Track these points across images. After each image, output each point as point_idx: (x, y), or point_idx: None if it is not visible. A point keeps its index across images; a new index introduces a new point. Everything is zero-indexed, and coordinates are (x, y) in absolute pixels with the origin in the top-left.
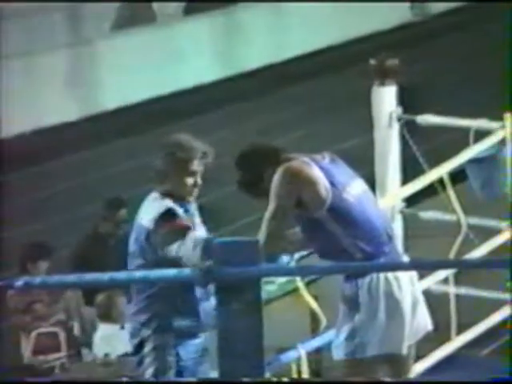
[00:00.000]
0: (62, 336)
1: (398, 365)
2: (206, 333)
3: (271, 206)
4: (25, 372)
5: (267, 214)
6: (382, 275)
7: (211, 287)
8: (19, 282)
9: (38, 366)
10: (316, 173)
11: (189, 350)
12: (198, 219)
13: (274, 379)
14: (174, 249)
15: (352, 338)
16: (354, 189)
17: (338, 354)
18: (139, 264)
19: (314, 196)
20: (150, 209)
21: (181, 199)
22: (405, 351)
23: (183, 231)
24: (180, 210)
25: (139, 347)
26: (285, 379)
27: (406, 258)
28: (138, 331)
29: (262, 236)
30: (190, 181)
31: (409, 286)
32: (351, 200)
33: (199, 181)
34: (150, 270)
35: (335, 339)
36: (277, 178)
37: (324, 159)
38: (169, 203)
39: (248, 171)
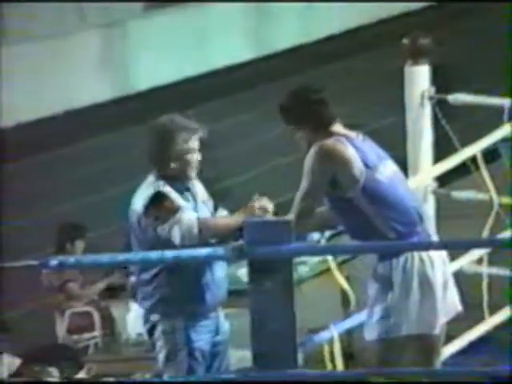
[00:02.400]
0: (96, 315)
1: (431, 345)
2: (217, 313)
3: (304, 184)
4: (59, 350)
5: (300, 192)
6: (416, 255)
7: (222, 272)
8: (54, 262)
9: (73, 345)
10: (351, 152)
11: (200, 331)
12: (203, 196)
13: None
14: (165, 229)
15: (386, 318)
16: (386, 169)
17: (372, 334)
18: (136, 246)
19: (348, 175)
20: (143, 193)
21: (179, 180)
22: (437, 331)
23: (172, 211)
24: (173, 192)
25: (151, 332)
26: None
27: (437, 238)
28: (148, 316)
29: (293, 213)
30: (181, 161)
31: (441, 267)
32: (383, 180)
33: (195, 158)
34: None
35: (368, 320)
36: (311, 156)
37: (358, 138)
38: (161, 186)
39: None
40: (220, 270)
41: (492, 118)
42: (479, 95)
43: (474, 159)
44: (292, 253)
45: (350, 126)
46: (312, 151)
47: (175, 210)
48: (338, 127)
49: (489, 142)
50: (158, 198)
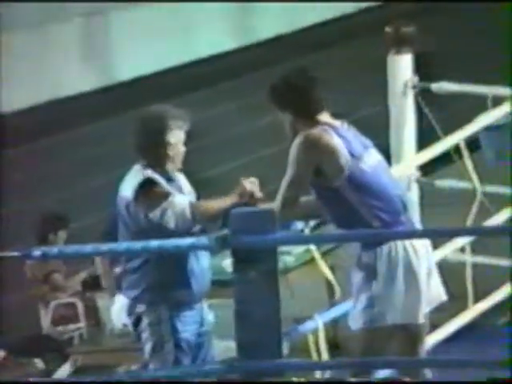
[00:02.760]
0: (80, 306)
1: (415, 333)
2: (202, 304)
3: (289, 173)
4: (44, 342)
5: (285, 181)
6: (400, 244)
7: (205, 259)
8: (37, 252)
9: (57, 336)
10: (336, 141)
11: (185, 321)
12: (186, 188)
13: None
14: (157, 214)
15: (370, 307)
16: (370, 158)
17: (357, 323)
18: (124, 235)
19: (334, 165)
20: (131, 180)
21: (163, 170)
22: (422, 320)
23: (164, 196)
24: (161, 180)
25: (136, 323)
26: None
27: (420, 227)
28: (133, 307)
29: (277, 202)
30: (169, 152)
31: (425, 255)
32: (367, 169)
33: (181, 150)
34: (134, 241)
35: (352, 309)
36: (296, 145)
37: (342, 127)
38: (149, 173)
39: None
40: (204, 260)
41: (476, 107)
42: (463, 84)
43: (457, 148)
44: (276, 242)
45: (335, 114)
46: (297, 140)
47: (166, 194)
48: (324, 116)
49: (471, 131)
50: (147, 184)
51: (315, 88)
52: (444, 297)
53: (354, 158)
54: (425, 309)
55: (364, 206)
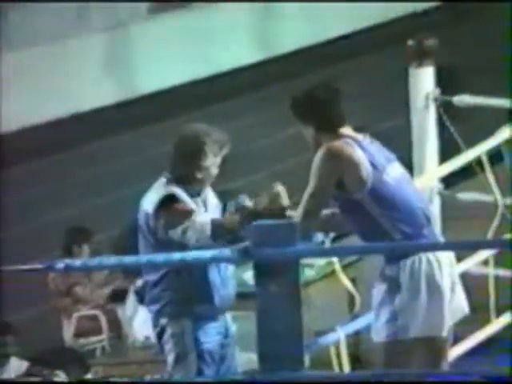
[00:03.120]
0: (103, 319)
1: (438, 347)
2: (225, 315)
3: (311, 185)
4: (66, 354)
5: (306, 193)
6: (423, 257)
7: (229, 273)
8: (60, 265)
9: (80, 349)
10: (358, 154)
11: (208, 333)
12: (211, 202)
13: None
14: (178, 232)
15: (393, 320)
16: (393, 171)
17: (379, 336)
18: (144, 247)
19: (355, 177)
20: (153, 195)
21: (189, 185)
22: (445, 333)
23: (185, 215)
24: (184, 196)
25: (160, 335)
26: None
27: (443, 240)
28: (157, 320)
29: (299, 214)
30: (199, 173)
31: (448, 269)
32: (390, 182)
33: (213, 172)
34: (156, 254)
35: (375, 321)
36: (319, 157)
37: (365, 140)
38: (173, 189)
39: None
40: (227, 272)
41: (498, 120)
42: (485, 96)
43: (479, 161)
44: (298, 254)
45: (357, 128)
46: (320, 153)
47: (187, 213)
48: (346, 129)
49: (493, 144)
50: (169, 201)
51: (338, 102)
52: (467, 310)
53: (377, 171)
54: (448, 322)
55: (386, 219)
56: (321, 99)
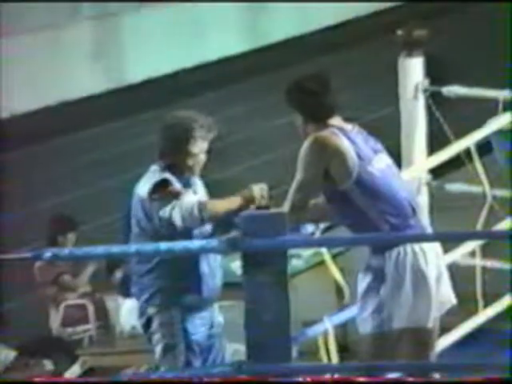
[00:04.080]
0: (90, 308)
1: (424, 338)
2: (212, 306)
3: (298, 176)
4: (53, 343)
5: (294, 184)
6: (409, 248)
7: (218, 263)
8: (47, 254)
9: (67, 338)
10: (344, 144)
11: (196, 323)
12: (200, 192)
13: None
14: (167, 211)
15: (379, 312)
16: (379, 162)
17: (365, 328)
18: (138, 236)
19: (342, 168)
20: (147, 180)
21: (180, 173)
22: (431, 324)
23: (175, 195)
24: (176, 183)
25: (147, 325)
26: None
27: (430, 231)
28: (144, 309)
29: (286, 205)
30: (189, 160)
31: (434, 259)
32: (376, 173)
33: (201, 159)
34: (147, 241)
35: (361, 313)
36: (305, 147)
37: (352, 130)
38: (166, 175)
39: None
40: (215, 262)
41: (487, 111)
42: (474, 87)
43: (468, 151)
44: (286, 245)
45: (346, 118)
46: (306, 143)
47: (177, 193)
48: (335, 120)
49: (482, 135)
50: (162, 184)
51: (327, 92)
52: (454, 301)
53: (363, 161)
54: (435, 313)
55: (372, 210)
56: (310, 89)
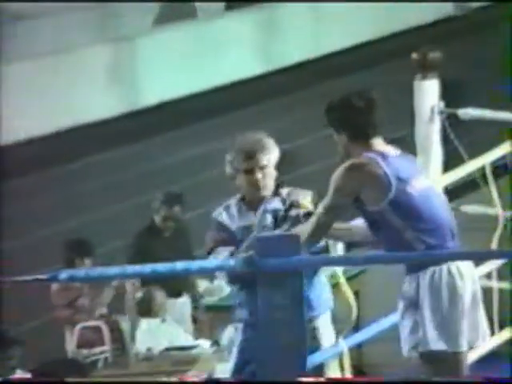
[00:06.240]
0: (106, 330)
1: (457, 361)
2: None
3: (327, 199)
4: (69, 365)
5: (320, 207)
6: (445, 267)
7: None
8: (63, 275)
9: (82, 360)
10: (380, 171)
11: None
12: (266, 223)
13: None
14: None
15: (415, 332)
16: (418, 183)
17: (405, 348)
18: None
19: (373, 194)
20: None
21: (249, 202)
22: (464, 348)
23: (213, 245)
24: (226, 218)
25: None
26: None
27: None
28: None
29: (309, 227)
30: (244, 181)
31: (470, 284)
32: (415, 194)
33: (258, 178)
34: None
35: (401, 335)
36: (339, 173)
37: (393, 152)
38: (222, 207)
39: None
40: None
41: (502, 133)
42: (490, 110)
43: (483, 174)
44: (302, 264)
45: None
46: (341, 167)
47: (214, 243)
48: (376, 140)
49: (496, 156)
50: (213, 223)
51: (372, 112)
52: (487, 336)
53: (401, 183)
54: (469, 338)
55: (409, 229)
56: (355, 107)
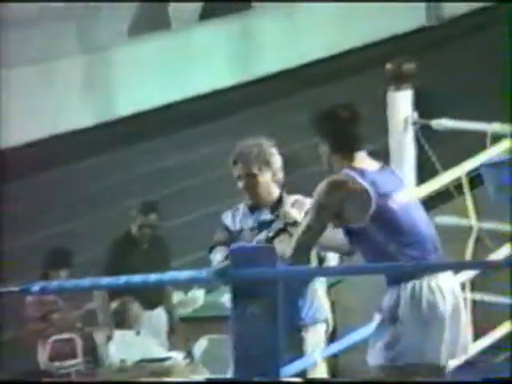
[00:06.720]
0: (79, 342)
1: (435, 375)
2: None
3: (308, 217)
4: (40, 378)
5: (303, 223)
6: (425, 282)
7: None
8: (35, 287)
9: (54, 372)
10: (358, 188)
11: None
12: (267, 231)
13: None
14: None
15: (392, 346)
16: (400, 197)
17: (376, 360)
18: None
19: (355, 211)
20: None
21: (250, 206)
22: (444, 362)
23: (214, 244)
24: (229, 220)
25: None
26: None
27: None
28: None
29: (291, 247)
30: (239, 185)
31: (451, 299)
32: (396, 208)
33: (245, 185)
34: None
35: (373, 345)
36: (319, 189)
37: (374, 167)
38: (229, 210)
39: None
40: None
41: (477, 144)
42: (463, 120)
43: (457, 185)
44: (277, 275)
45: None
46: (322, 184)
47: (211, 246)
48: (359, 154)
49: (471, 167)
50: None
51: (356, 125)
52: (468, 351)
53: (381, 197)
54: (448, 352)
55: (391, 244)
56: (340, 119)
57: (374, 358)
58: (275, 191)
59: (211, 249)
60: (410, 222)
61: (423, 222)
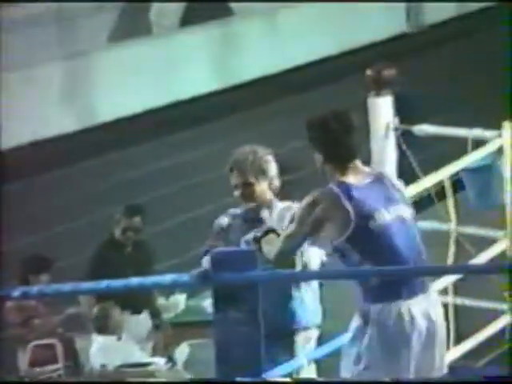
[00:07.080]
0: (59, 348)
1: None
2: None
3: (292, 227)
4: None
5: (288, 232)
6: (394, 307)
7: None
8: (16, 292)
9: (35, 378)
10: (340, 208)
11: None
12: (255, 231)
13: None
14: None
15: (357, 362)
16: (386, 214)
17: (344, 372)
18: None
19: (331, 229)
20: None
21: (245, 211)
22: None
23: (207, 249)
24: (225, 221)
25: None
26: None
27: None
28: None
29: (273, 253)
30: (236, 194)
31: (423, 324)
32: (376, 230)
33: (238, 193)
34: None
35: (342, 358)
36: (304, 203)
37: (365, 179)
38: (226, 213)
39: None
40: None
41: (458, 150)
42: (444, 126)
43: (438, 190)
44: (258, 279)
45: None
46: (307, 198)
47: (208, 247)
48: (351, 165)
49: (450, 172)
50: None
51: (349, 136)
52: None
53: (362, 219)
54: (418, 374)
55: (366, 262)
56: (332, 130)
57: (344, 369)
58: (270, 196)
59: (206, 253)
60: (388, 243)
61: (405, 243)
